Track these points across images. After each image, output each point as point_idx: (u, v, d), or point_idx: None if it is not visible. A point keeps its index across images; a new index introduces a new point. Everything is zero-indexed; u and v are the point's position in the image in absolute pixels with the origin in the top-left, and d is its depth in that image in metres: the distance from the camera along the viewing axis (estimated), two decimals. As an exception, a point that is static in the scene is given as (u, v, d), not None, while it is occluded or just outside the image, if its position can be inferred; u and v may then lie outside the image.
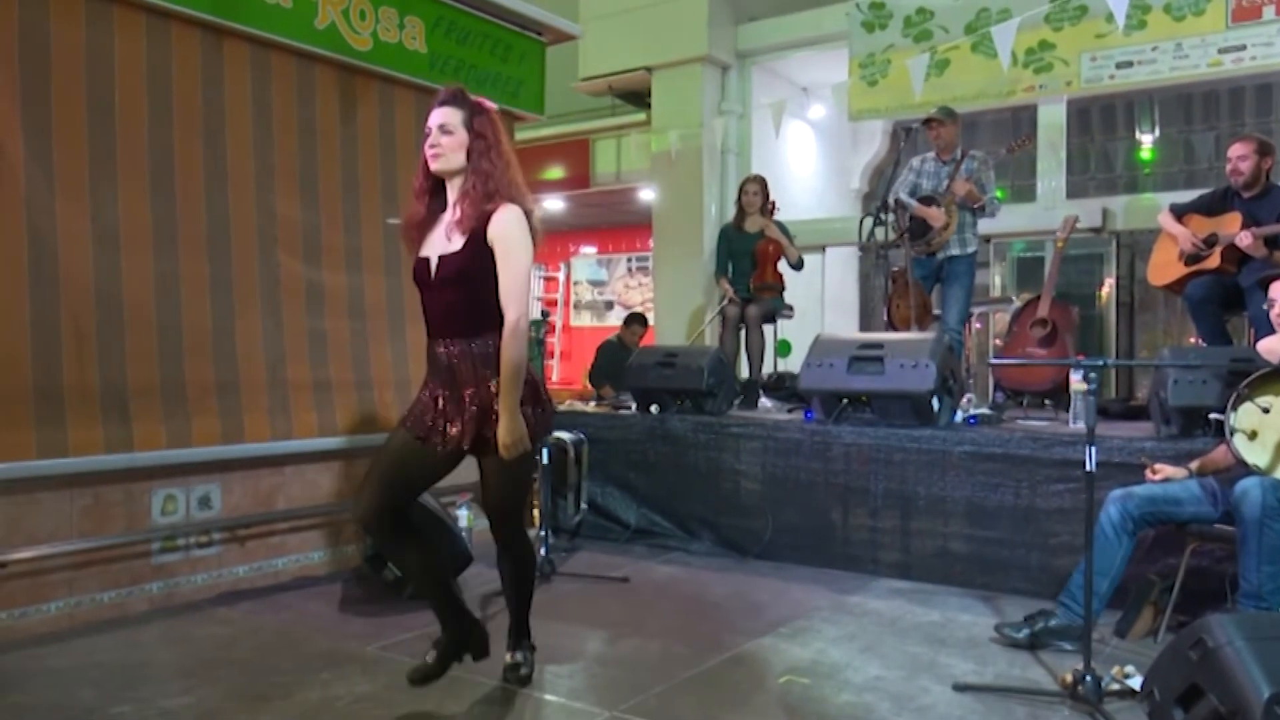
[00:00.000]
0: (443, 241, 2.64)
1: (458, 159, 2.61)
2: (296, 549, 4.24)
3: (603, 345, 7.74)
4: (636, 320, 7.75)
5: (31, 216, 3.35)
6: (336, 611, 3.74)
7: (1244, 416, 3.06)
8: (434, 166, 2.62)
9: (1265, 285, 3.37)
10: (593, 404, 5.92)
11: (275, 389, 4.07)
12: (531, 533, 4.96)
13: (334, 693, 2.82)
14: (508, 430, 2.56)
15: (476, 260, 2.59)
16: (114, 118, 3.59)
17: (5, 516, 3.31)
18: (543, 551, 4.28)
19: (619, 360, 7.20)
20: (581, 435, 5.11)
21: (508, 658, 2.89)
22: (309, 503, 4.26)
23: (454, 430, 2.62)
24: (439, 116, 2.61)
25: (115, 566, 3.61)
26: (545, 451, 4.39)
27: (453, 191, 2.66)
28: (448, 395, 2.63)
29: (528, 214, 2.65)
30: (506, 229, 2.60)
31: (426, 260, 2.67)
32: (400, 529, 2.69)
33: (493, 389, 2.59)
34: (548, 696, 2.84)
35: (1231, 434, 3.07)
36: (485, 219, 2.59)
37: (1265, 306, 3.36)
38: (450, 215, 2.65)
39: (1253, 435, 3.04)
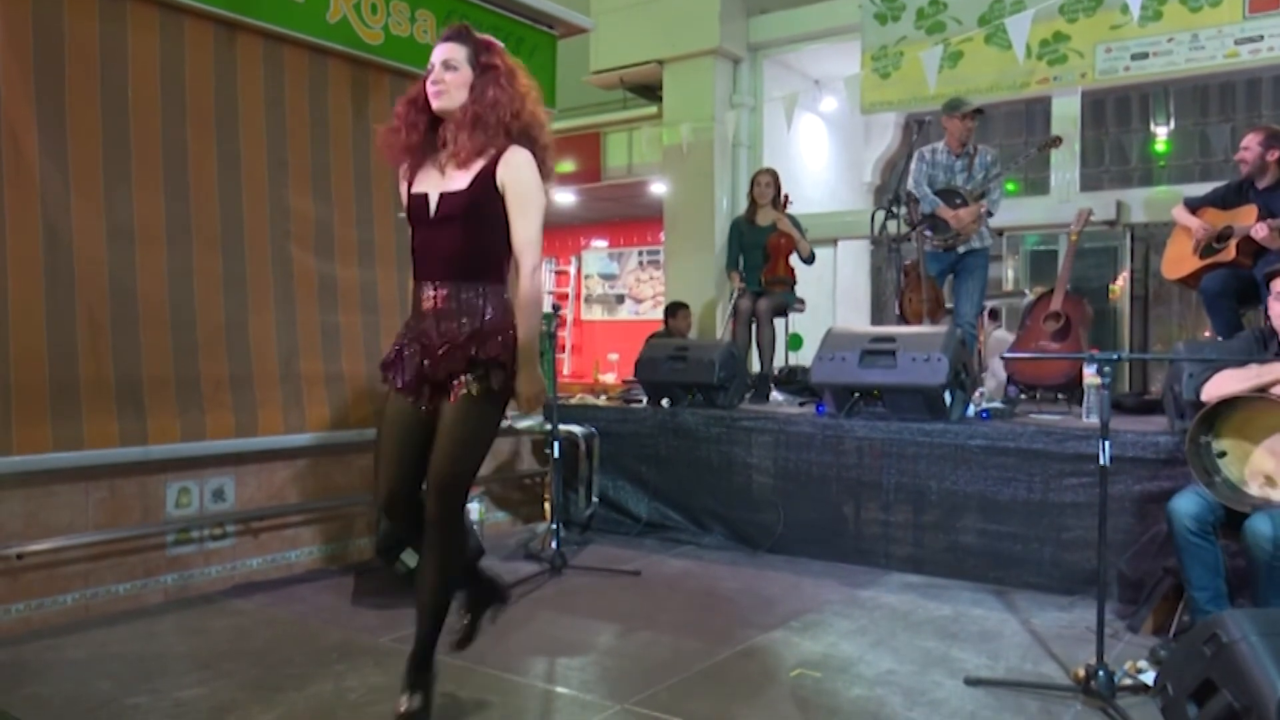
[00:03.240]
0: (444, 178, 2.50)
1: (461, 96, 2.46)
2: (309, 541, 4.26)
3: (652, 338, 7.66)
4: (682, 307, 7.57)
5: (47, 212, 3.37)
6: (349, 604, 3.76)
7: (1233, 470, 3.00)
8: (436, 105, 2.48)
9: (1269, 279, 3.27)
10: (604, 398, 5.92)
11: (288, 383, 4.09)
12: (543, 526, 5.00)
13: (347, 684, 2.84)
14: (528, 382, 2.46)
15: (482, 199, 2.45)
16: (128, 113, 3.60)
17: (22, 509, 3.34)
18: (554, 545, 4.29)
19: None
20: (593, 429, 5.12)
21: (403, 703, 2.43)
22: (322, 496, 4.28)
23: (427, 379, 2.47)
24: (442, 52, 2.47)
25: (130, 558, 3.64)
26: (556, 445, 4.40)
27: (450, 125, 2.49)
28: (426, 343, 2.47)
29: (544, 149, 2.51)
30: (519, 174, 2.46)
31: (424, 196, 2.51)
32: (420, 508, 2.55)
33: (465, 335, 2.44)
34: (559, 689, 2.85)
35: (1244, 493, 2.96)
36: (494, 158, 2.46)
37: (1267, 302, 3.26)
38: (449, 148, 2.49)
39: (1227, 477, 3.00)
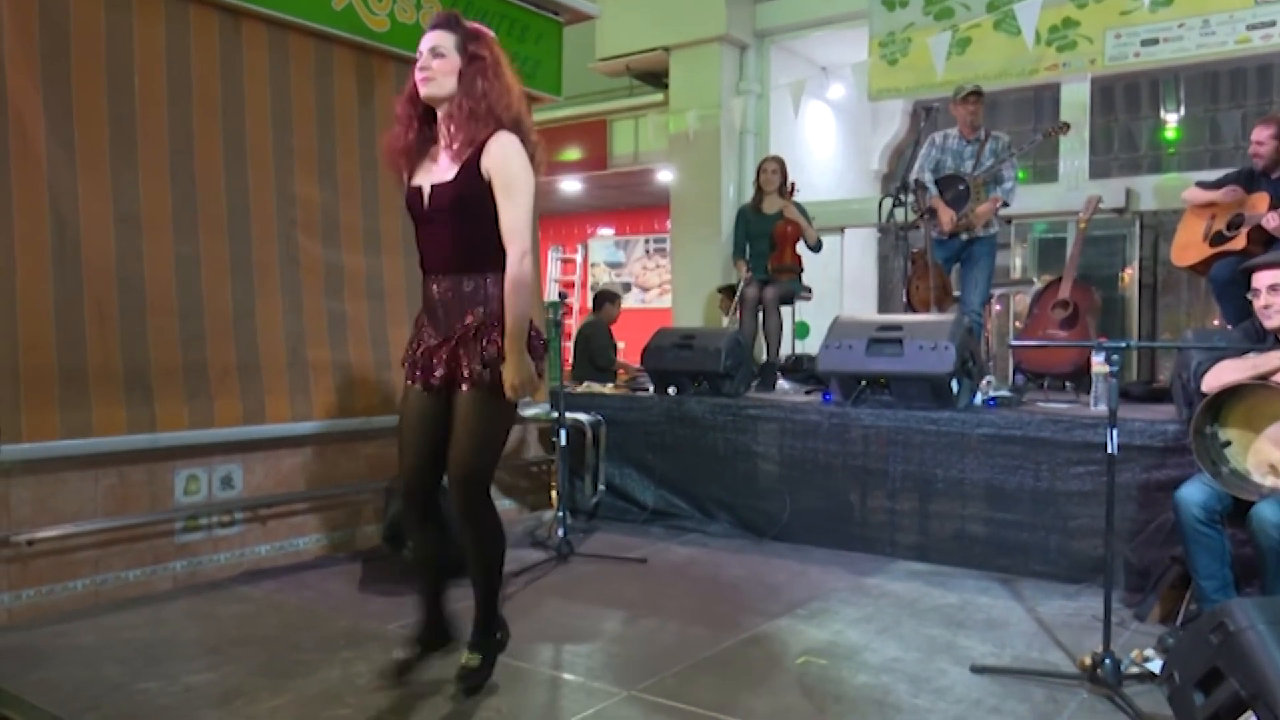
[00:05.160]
0: (436, 169, 2.53)
1: (449, 84, 2.46)
2: (317, 529, 4.28)
3: (585, 325, 7.73)
4: (616, 296, 7.83)
5: (54, 199, 3.37)
6: (357, 590, 3.78)
7: (1239, 459, 2.96)
8: (424, 92, 2.49)
9: (1248, 274, 3.18)
10: (610, 385, 5.93)
11: (295, 370, 4.09)
12: (549, 514, 5.01)
13: (355, 670, 2.85)
14: (515, 370, 2.43)
15: (470, 189, 2.45)
16: (134, 100, 3.60)
17: (32, 495, 3.36)
18: (560, 532, 4.29)
19: (607, 338, 7.31)
20: (599, 417, 5.13)
21: (464, 657, 2.65)
22: (329, 483, 4.29)
23: (439, 369, 2.51)
24: (430, 40, 2.48)
25: (140, 545, 3.66)
26: (562, 433, 4.40)
27: (442, 116, 2.52)
28: (437, 335, 2.54)
29: (527, 144, 2.51)
30: (505, 159, 2.45)
31: (419, 189, 2.54)
32: (435, 504, 2.63)
33: (473, 326, 2.47)
34: (565, 676, 2.86)
35: (1251, 482, 2.92)
36: (479, 146, 2.46)
37: (1249, 296, 3.19)
38: (442, 140, 2.52)
39: (1235, 466, 2.96)
